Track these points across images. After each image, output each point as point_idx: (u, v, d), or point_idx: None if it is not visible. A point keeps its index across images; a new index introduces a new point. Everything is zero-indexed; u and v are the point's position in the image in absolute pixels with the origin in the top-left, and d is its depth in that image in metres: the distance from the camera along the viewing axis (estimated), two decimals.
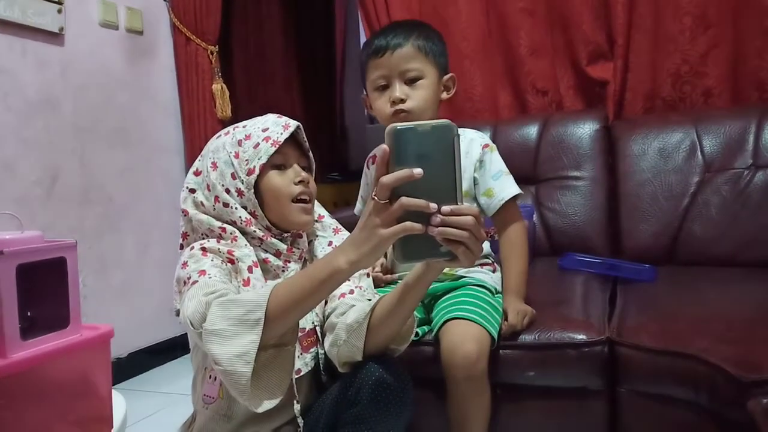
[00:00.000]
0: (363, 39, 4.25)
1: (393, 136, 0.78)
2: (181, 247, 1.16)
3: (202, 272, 1.01)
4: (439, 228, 0.78)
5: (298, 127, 1.12)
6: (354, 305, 1.06)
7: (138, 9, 2.33)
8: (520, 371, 1.22)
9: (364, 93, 1.42)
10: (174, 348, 2.42)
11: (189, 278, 1.01)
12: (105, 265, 2.19)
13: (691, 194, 1.69)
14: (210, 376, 1.11)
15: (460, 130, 0.82)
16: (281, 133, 1.08)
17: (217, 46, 2.49)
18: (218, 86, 2.46)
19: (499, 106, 2.16)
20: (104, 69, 2.21)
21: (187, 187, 1.13)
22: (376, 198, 0.81)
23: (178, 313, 1.07)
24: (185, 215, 1.13)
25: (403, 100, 1.26)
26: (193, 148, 2.45)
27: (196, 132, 2.44)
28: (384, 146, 0.79)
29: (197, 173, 1.14)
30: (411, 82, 1.27)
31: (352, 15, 4.04)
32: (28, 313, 0.63)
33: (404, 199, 0.78)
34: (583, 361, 1.18)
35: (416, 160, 0.77)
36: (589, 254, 1.72)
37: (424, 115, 1.26)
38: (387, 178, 0.78)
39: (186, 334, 1.03)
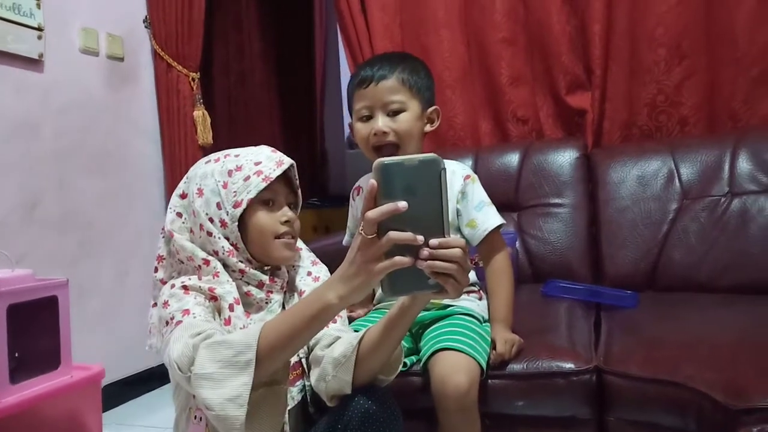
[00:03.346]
0: (343, 66, 4.29)
1: (380, 171, 0.79)
2: (156, 270, 1.14)
3: (186, 312, 0.99)
4: (428, 261, 0.79)
5: (291, 165, 1.12)
6: (339, 337, 1.05)
7: (119, 35, 2.32)
8: (508, 401, 1.22)
9: (351, 120, 1.43)
10: (151, 378, 2.36)
11: (172, 318, 0.99)
12: (82, 293, 2.14)
13: (670, 221, 1.73)
14: (195, 417, 1.08)
15: None
16: (274, 170, 1.07)
17: (198, 73, 2.48)
18: (200, 113, 2.45)
19: (481, 134, 2.19)
20: (85, 95, 2.19)
21: (174, 211, 1.12)
22: (363, 233, 0.81)
23: (157, 351, 1.05)
24: (169, 237, 1.10)
25: (385, 133, 1.27)
26: (173, 175, 2.42)
27: (177, 158, 2.42)
28: (372, 180, 0.79)
29: (183, 196, 1.12)
30: (394, 114, 1.28)
31: (333, 42, 4.08)
32: (16, 354, 0.61)
33: (392, 234, 0.78)
34: (572, 390, 1.19)
35: (403, 193, 0.78)
36: (571, 280, 1.74)
37: (406, 148, 1.29)
38: (372, 213, 0.79)
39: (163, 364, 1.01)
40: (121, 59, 2.35)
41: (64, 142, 2.09)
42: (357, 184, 1.52)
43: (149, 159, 2.47)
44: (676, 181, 1.75)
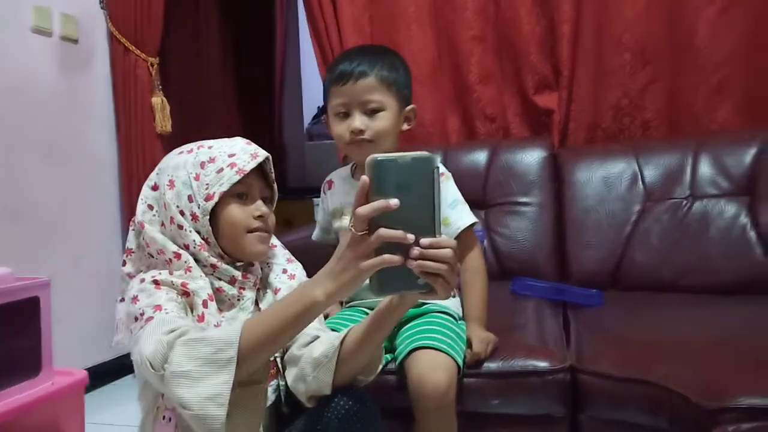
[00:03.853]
0: (304, 56, 4.23)
1: (373, 168, 0.78)
2: (124, 263, 1.10)
3: (158, 307, 0.95)
4: (418, 261, 0.78)
5: (266, 158, 1.08)
6: (317, 336, 1.03)
7: (73, 16, 2.21)
8: (484, 399, 1.22)
9: (325, 115, 1.41)
10: (106, 374, 2.27)
11: (142, 314, 0.95)
12: None
13: (633, 222, 1.77)
14: (164, 417, 1.04)
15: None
16: (248, 162, 1.04)
17: (157, 58, 2.39)
18: (158, 99, 2.36)
19: (448, 131, 2.19)
20: (36, 78, 2.07)
21: (145, 203, 1.08)
22: (353, 229, 0.79)
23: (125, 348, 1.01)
24: (140, 228, 1.06)
25: (362, 131, 1.26)
26: (129, 163, 2.33)
27: (133, 147, 2.33)
28: (364, 177, 0.78)
29: (155, 188, 1.09)
30: (371, 112, 1.27)
31: (293, 31, 4.01)
32: None
33: (382, 231, 0.77)
34: (547, 389, 1.20)
35: (396, 191, 0.77)
36: (537, 278, 1.77)
37: (383, 145, 1.28)
38: (363, 209, 0.77)
39: (119, 358, 0.96)
40: (76, 41, 2.23)
41: (12, 126, 1.98)
42: (328, 178, 1.50)
43: (103, 146, 2.36)
44: (640, 183, 1.80)
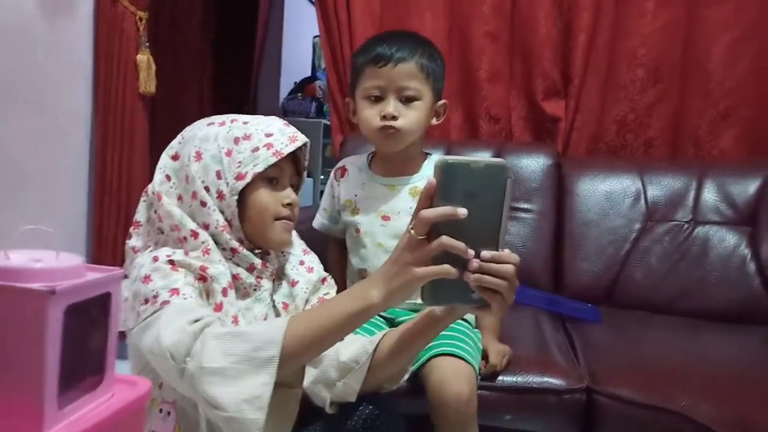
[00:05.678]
0: (286, 31, 4.08)
1: (442, 170, 0.73)
2: (129, 236, 1.01)
3: (175, 291, 0.87)
4: (476, 275, 0.73)
5: (305, 143, 1.01)
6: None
7: None
8: (496, 414, 1.19)
9: (348, 97, 1.35)
10: None
11: (156, 296, 0.86)
12: None
13: (633, 240, 1.76)
14: (161, 410, 0.96)
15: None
16: (286, 145, 0.96)
17: (147, 12, 2.22)
18: (144, 57, 2.19)
19: (450, 127, 2.13)
20: (13, 19, 1.88)
21: (163, 172, 0.99)
22: (412, 232, 0.74)
23: (124, 334, 0.92)
24: (155, 200, 0.97)
25: (395, 117, 1.21)
26: (106, 122, 2.16)
27: (113, 104, 2.15)
28: (431, 178, 0.74)
29: (175, 157, 0.99)
30: (406, 100, 1.23)
31: (277, 6, 3.87)
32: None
33: (445, 239, 0.73)
34: (561, 408, 1.19)
35: (463, 198, 0.73)
36: (532, 287, 1.74)
37: (411, 137, 1.25)
38: (428, 213, 0.73)
39: None
40: None
41: None
42: (341, 164, 1.42)
43: (79, 101, 2.17)
44: (643, 201, 1.79)
